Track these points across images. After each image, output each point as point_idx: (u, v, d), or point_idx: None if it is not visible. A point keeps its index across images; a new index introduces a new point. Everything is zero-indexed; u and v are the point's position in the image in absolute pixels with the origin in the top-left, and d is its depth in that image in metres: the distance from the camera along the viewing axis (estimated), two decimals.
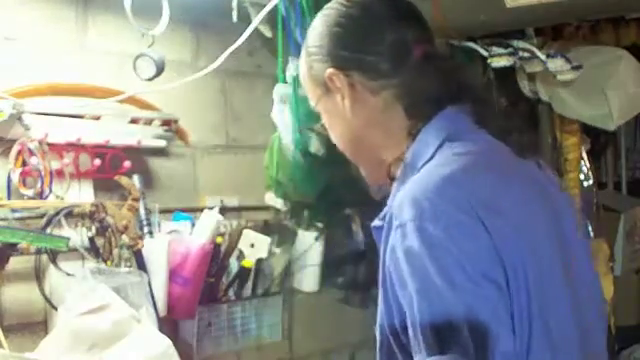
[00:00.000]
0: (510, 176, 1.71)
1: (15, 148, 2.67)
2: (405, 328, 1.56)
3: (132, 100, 3.03)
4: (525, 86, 4.16)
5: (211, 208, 3.17)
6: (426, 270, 1.50)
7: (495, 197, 1.61)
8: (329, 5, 1.87)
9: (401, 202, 1.59)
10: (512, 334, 1.52)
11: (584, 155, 4.53)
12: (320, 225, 3.54)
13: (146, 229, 2.96)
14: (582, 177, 4.54)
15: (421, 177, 1.64)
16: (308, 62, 1.88)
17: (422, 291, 1.51)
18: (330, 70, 1.80)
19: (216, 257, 3.17)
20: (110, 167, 2.94)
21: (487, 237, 1.54)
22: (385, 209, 1.70)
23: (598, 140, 4.76)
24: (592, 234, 4.64)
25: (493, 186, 1.64)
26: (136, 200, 2.86)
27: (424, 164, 1.69)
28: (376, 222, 1.76)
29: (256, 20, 2.97)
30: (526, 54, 3.59)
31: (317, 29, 1.86)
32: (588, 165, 4.61)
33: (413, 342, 1.53)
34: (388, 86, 1.77)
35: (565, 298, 1.66)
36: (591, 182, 4.67)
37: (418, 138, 1.74)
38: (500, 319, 1.51)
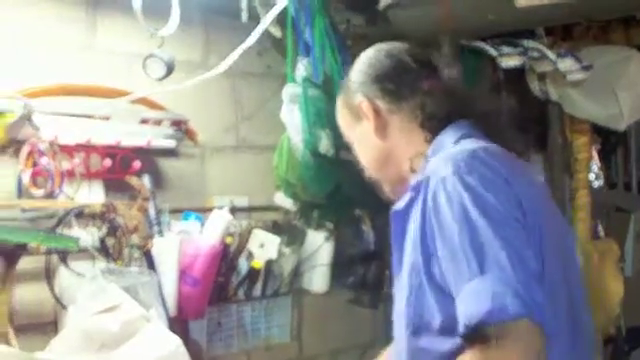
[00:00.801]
0: (524, 169, 2.02)
1: (25, 148, 2.67)
2: (439, 267, 1.83)
3: (142, 100, 3.03)
4: (535, 86, 4.15)
5: (221, 208, 3.17)
6: (467, 209, 1.78)
7: (515, 174, 1.89)
8: (369, 51, 2.24)
9: (437, 166, 1.89)
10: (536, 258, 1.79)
11: (594, 155, 4.53)
12: (330, 225, 3.54)
13: (156, 229, 2.96)
14: (592, 177, 4.53)
15: (450, 151, 1.95)
16: (346, 97, 2.25)
17: (465, 225, 1.78)
18: (360, 99, 2.17)
19: (226, 257, 3.17)
20: (120, 167, 2.94)
21: (513, 192, 1.83)
22: (407, 193, 1.99)
23: (608, 140, 4.74)
24: (602, 234, 4.64)
25: (512, 167, 1.92)
26: (146, 200, 2.87)
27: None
28: (397, 206, 2.04)
29: (266, 20, 2.98)
30: (536, 54, 3.59)
31: (354, 71, 2.24)
32: (598, 165, 4.61)
33: (454, 272, 1.78)
34: (404, 107, 2.13)
35: (560, 273, 1.91)
36: (601, 182, 4.66)
37: (436, 139, 2.07)
38: (529, 245, 1.78)
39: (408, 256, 1.95)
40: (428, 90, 2.12)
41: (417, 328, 1.92)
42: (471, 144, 1.96)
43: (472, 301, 1.71)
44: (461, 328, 1.72)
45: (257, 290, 3.40)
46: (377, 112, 2.15)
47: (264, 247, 3.30)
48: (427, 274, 1.88)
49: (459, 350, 1.76)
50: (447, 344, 1.83)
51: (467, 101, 2.16)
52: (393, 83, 2.15)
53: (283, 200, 3.47)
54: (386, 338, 2.22)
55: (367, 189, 3.22)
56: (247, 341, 3.39)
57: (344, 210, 3.55)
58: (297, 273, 3.56)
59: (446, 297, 1.82)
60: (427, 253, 1.88)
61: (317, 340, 3.80)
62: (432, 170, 1.90)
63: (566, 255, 2.00)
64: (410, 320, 1.94)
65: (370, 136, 2.17)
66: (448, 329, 1.81)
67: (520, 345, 1.67)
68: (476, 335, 1.69)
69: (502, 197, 1.81)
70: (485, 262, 1.72)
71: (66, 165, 2.76)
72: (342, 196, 3.42)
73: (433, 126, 2.09)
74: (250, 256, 3.31)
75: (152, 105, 3.10)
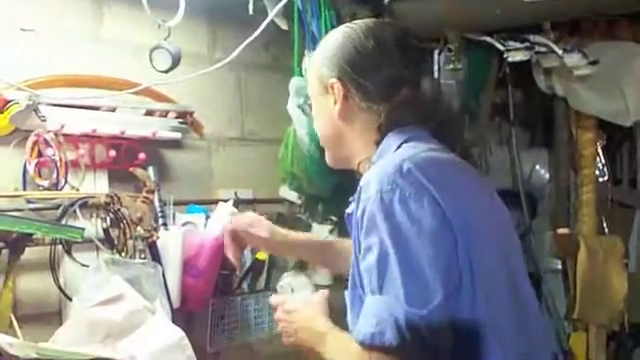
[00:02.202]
0: (462, 169, 2.05)
1: (31, 139, 2.68)
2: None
3: (148, 92, 3.04)
4: (541, 81, 4.15)
5: (225, 200, 3.17)
6: (380, 229, 1.84)
7: (446, 183, 1.90)
8: (354, 25, 2.18)
9: (369, 178, 1.91)
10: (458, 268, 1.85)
11: (599, 151, 4.52)
12: (334, 218, 3.54)
13: (161, 221, 2.96)
14: (597, 173, 4.52)
15: (384, 162, 1.96)
16: (319, 62, 2.19)
17: (376, 244, 1.83)
18: (333, 79, 2.13)
19: None
20: (125, 158, 2.95)
21: (437, 205, 1.85)
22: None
23: (614, 136, 4.73)
24: (607, 230, 4.63)
25: (445, 174, 1.94)
26: (151, 192, 2.87)
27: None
28: (348, 209, 2.13)
29: (272, 13, 2.98)
30: (543, 49, 3.59)
31: (337, 41, 2.17)
32: (603, 161, 4.60)
33: (365, 283, 1.86)
34: (372, 109, 2.10)
35: (502, 272, 1.96)
36: (606, 178, 4.65)
37: (383, 142, 2.08)
38: (445, 260, 1.82)
39: (352, 268, 2.03)
40: (401, 100, 2.09)
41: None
42: (408, 151, 1.99)
43: (363, 318, 1.84)
44: (355, 335, 1.85)
45: (261, 283, 3.40)
46: (346, 98, 2.12)
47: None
48: (362, 286, 1.94)
49: None
50: None
51: (432, 110, 2.16)
52: (369, 81, 2.10)
53: (288, 193, 3.47)
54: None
55: None
56: (251, 333, 3.39)
57: (349, 203, 3.55)
58: (301, 266, 3.56)
59: None
60: (358, 268, 1.96)
61: None
62: (364, 182, 1.94)
63: (511, 254, 2.05)
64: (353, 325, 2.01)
65: (332, 114, 2.15)
66: None
67: None
68: (363, 345, 1.82)
69: (420, 215, 1.84)
70: (384, 284, 1.81)
71: (71, 156, 2.77)
72: (347, 190, 3.41)
73: (389, 130, 2.09)
74: (254, 248, 3.30)
75: (158, 97, 3.11)
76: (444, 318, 1.79)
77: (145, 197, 2.85)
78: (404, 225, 1.83)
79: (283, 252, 2.87)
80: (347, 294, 2.10)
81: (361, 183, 1.95)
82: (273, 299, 2.28)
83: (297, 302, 2.24)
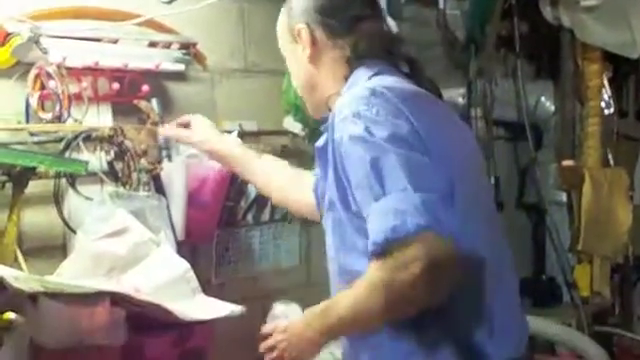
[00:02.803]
0: (432, 100, 2.20)
1: (33, 72, 2.66)
2: (353, 197, 2.00)
3: (150, 23, 3.01)
4: (547, 12, 4.12)
5: (230, 132, 3.16)
6: (366, 139, 1.94)
7: (418, 111, 2.01)
8: None
9: (341, 104, 2.04)
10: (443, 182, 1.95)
11: (605, 83, 4.50)
12: None
13: (164, 153, 2.96)
14: (603, 105, 4.51)
15: (356, 89, 2.08)
16: (286, 15, 2.35)
17: (366, 153, 1.93)
18: (300, 25, 2.26)
19: (234, 181, 3.16)
20: (128, 91, 2.93)
21: (412, 126, 1.97)
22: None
23: (620, 68, 4.71)
24: (612, 162, 4.63)
25: (416, 103, 2.05)
26: (155, 124, 2.86)
27: None
28: (318, 143, 2.23)
29: None
30: None
31: None
32: (609, 93, 4.58)
33: (362, 197, 1.95)
34: (338, 45, 2.23)
35: (478, 198, 2.11)
36: (612, 110, 4.64)
37: (352, 75, 2.21)
38: (432, 169, 1.93)
39: (328, 193, 2.15)
40: (365, 31, 2.23)
41: (344, 253, 2.15)
42: (379, 81, 2.11)
43: (377, 219, 1.89)
44: (370, 246, 1.90)
45: (266, 215, 3.41)
46: (314, 41, 2.25)
47: None
48: (343, 207, 2.07)
49: None
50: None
51: (395, 45, 2.29)
52: (335, 19, 2.23)
53: (292, 125, 3.46)
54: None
55: None
56: (255, 265, 3.41)
57: None
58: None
59: (363, 223, 1.96)
60: (341, 187, 2.06)
61: (325, 264, 3.81)
62: (337, 108, 2.06)
63: (481, 185, 2.24)
64: (337, 248, 2.19)
65: (303, 60, 2.28)
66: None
67: (422, 251, 1.83)
68: (383, 250, 1.87)
69: (400, 126, 1.96)
70: (386, 184, 1.90)
71: (74, 89, 2.75)
72: None
73: (357, 64, 2.21)
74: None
75: (161, 28, 3.08)
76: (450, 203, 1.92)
77: (149, 129, 2.84)
78: (388, 130, 1.94)
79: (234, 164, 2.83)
80: (324, 221, 2.23)
81: (333, 111, 2.08)
82: (265, 329, 2.27)
83: (283, 321, 2.27)
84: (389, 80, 2.12)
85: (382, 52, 2.23)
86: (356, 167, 1.95)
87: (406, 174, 1.89)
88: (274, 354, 2.16)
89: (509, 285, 2.17)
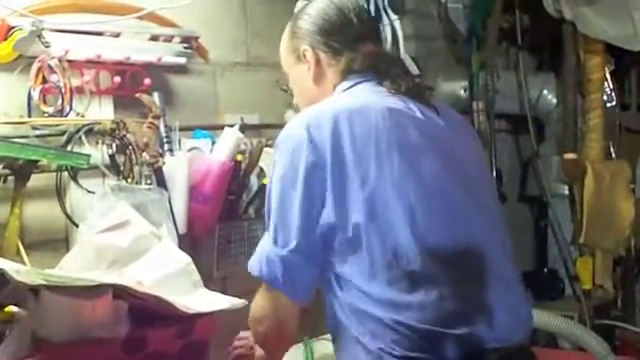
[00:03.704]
0: (397, 115, 2.15)
1: (35, 65, 2.66)
2: None
3: (152, 17, 3.01)
4: (549, 5, 4.12)
5: (231, 126, 3.16)
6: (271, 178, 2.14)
7: (366, 122, 2.09)
8: (321, 2, 2.39)
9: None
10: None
11: (607, 76, 4.50)
12: None
13: (166, 146, 2.96)
14: (605, 98, 4.51)
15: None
16: (290, 36, 2.42)
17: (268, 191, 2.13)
18: (304, 47, 2.35)
19: (236, 175, 3.16)
20: (130, 84, 2.93)
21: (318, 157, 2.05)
22: None
23: (622, 61, 4.71)
24: (614, 155, 4.63)
25: (367, 120, 2.10)
26: (157, 117, 2.86)
27: None
28: None
29: None
30: None
31: (306, 15, 2.39)
32: (611, 86, 4.58)
33: None
34: (340, 62, 2.32)
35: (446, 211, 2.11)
36: (614, 103, 4.64)
37: (338, 86, 2.31)
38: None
39: None
40: (360, 49, 2.32)
41: None
42: (338, 99, 2.23)
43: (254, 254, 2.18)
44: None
45: None
46: (318, 61, 2.34)
47: None
48: None
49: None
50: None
51: (387, 64, 2.34)
52: (337, 41, 2.33)
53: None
54: None
55: None
56: None
57: None
58: None
59: None
60: None
61: None
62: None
63: (469, 185, 2.18)
64: None
65: (307, 79, 2.37)
66: None
67: (265, 296, 2.19)
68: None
69: (298, 164, 2.06)
70: (267, 222, 2.14)
71: (76, 82, 2.75)
72: None
73: (345, 77, 2.31)
74: (261, 174, 3.30)
75: (162, 22, 3.08)
76: (300, 261, 2.08)
77: (151, 123, 2.84)
78: (283, 171, 2.09)
79: None
80: None
81: None
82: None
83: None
84: (353, 94, 2.23)
85: (371, 68, 2.30)
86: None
87: (274, 222, 2.10)
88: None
89: (506, 276, 2.18)
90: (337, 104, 2.16)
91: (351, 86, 2.27)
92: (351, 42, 2.33)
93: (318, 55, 2.34)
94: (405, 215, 2.01)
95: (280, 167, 2.09)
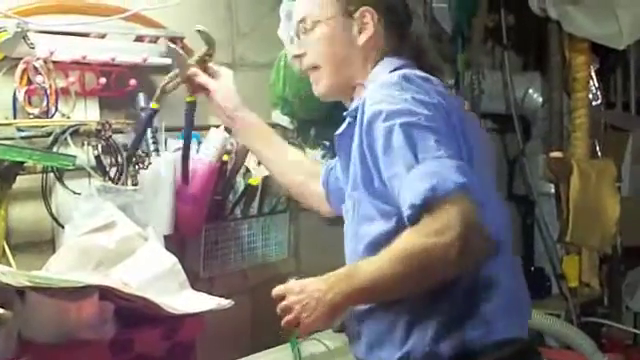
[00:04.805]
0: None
1: (20, 67, 2.66)
2: (378, 177, 2.08)
3: (137, 18, 3.01)
4: (534, 4, 4.13)
5: (217, 126, 3.16)
6: (396, 114, 2.02)
7: (444, 97, 2.12)
8: None
9: (371, 91, 2.14)
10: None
11: (593, 74, 4.52)
12: (327, 143, 3.54)
13: (153, 147, 2.96)
14: (590, 97, 4.52)
15: (382, 78, 2.18)
16: None
17: (397, 128, 1.99)
18: (367, 8, 2.27)
19: (223, 175, 3.16)
20: (116, 85, 2.93)
21: (442, 105, 2.08)
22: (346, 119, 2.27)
23: (607, 59, 4.73)
24: (600, 154, 4.65)
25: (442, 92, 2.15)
26: (209, 56, 2.83)
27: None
28: (339, 131, 2.30)
29: None
30: None
31: None
32: (597, 84, 4.60)
33: (394, 174, 1.99)
34: (386, 36, 2.30)
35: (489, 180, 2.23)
36: (599, 102, 4.66)
37: (373, 71, 2.29)
38: (460, 139, 2.07)
39: (351, 175, 2.21)
40: (408, 33, 2.34)
41: (360, 225, 2.21)
42: (397, 73, 2.16)
43: (413, 184, 1.94)
44: (406, 210, 1.95)
45: (254, 208, 3.41)
46: (374, 28, 2.28)
47: (261, 165, 3.30)
48: (366, 188, 2.14)
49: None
50: None
51: (426, 54, 2.38)
52: (396, 14, 2.31)
53: (280, 118, 3.47)
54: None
55: None
56: (244, 258, 3.40)
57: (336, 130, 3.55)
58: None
59: (384, 197, 2.08)
60: (366, 168, 2.12)
61: (314, 256, 3.82)
62: (369, 94, 2.13)
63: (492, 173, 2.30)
64: (355, 227, 2.24)
65: (347, 39, 2.30)
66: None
67: (457, 218, 1.89)
68: (420, 213, 1.92)
69: (431, 102, 2.05)
70: (419, 153, 1.96)
71: (61, 83, 2.75)
72: (340, 114, 3.41)
73: (384, 56, 2.31)
74: (247, 174, 3.30)
75: (148, 22, 3.08)
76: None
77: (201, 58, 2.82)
78: (420, 107, 2.02)
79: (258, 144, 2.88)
80: (345, 207, 2.30)
81: (361, 101, 2.15)
82: (276, 291, 2.19)
83: (299, 282, 2.15)
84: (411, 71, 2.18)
85: (411, 53, 2.31)
86: (387, 141, 2.01)
87: (438, 144, 1.96)
88: (291, 316, 2.09)
89: (517, 263, 2.29)
90: None
91: (401, 66, 2.24)
92: (405, 21, 2.35)
93: (376, 21, 2.29)
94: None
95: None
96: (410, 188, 1.94)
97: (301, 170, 2.79)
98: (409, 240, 1.94)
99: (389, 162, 2.01)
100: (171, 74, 2.78)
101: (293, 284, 2.15)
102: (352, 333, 2.32)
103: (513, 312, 2.15)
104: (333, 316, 2.08)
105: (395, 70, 2.21)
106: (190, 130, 2.88)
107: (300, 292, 2.09)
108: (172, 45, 2.81)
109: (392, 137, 2.00)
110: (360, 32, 2.30)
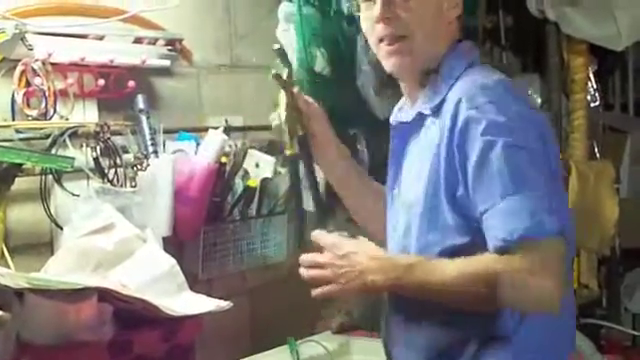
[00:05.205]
0: None
1: (18, 68, 2.66)
2: (463, 186, 1.97)
3: (136, 19, 3.01)
4: (532, 5, 4.12)
5: (215, 128, 3.16)
6: (502, 133, 1.92)
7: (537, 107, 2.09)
8: None
9: (467, 91, 2.01)
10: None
11: (591, 76, 4.51)
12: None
13: (151, 149, 2.96)
14: (589, 98, 4.52)
15: (476, 78, 2.06)
16: None
17: (500, 148, 1.90)
18: None
19: (221, 177, 3.16)
20: (114, 87, 2.93)
21: (538, 123, 2.03)
22: (417, 106, 2.16)
23: (606, 61, 4.72)
24: (598, 155, 4.64)
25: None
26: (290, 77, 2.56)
27: (459, 76, 2.11)
28: (403, 118, 2.22)
29: None
30: None
31: None
32: (595, 86, 4.59)
33: (484, 190, 1.92)
34: (460, 20, 2.22)
35: None
36: (598, 103, 4.65)
37: (446, 60, 2.15)
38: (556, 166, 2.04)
39: (426, 174, 2.06)
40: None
41: (429, 233, 2.07)
42: (487, 73, 2.10)
43: (510, 219, 1.88)
44: (497, 241, 1.90)
45: (253, 210, 3.40)
46: (461, 10, 2.21)
47: (260, 167, 3.30)
48: (447, 197, 2.01)
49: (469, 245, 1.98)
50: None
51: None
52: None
53: (277, 120, 3.46)
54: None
55: (362, 108, 3.21)
56: (243, 260, 3.40)
57: (339, 129, 3.54)
58: (294, 193, 3.55)
59: (464, 207, 1.99)
60: (452, 171, 2.00)
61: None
62: (462, 93, 2.01)
63: None
64: (421, 235, 2.08)
65: (440, 14, 2.16)
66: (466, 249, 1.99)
67: (552, 256, 1.88)
68: (511, 248, 1.88)
69: (532, 126, 1.98)
70: (517, 181, 1.89)
71: (60, 85, 2.75)
72: (337, 115, 3.41)
73: (451, 46, 2.19)
74: (246, 176, 3.30)
75: (146, 24, 3.08)
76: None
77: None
78: (524, 128, 1.96)
79: (335, 166, 2.62)
80: (418, 210, 2.09)
81: (451, 95, 2.05)
82: (320, 237, 2.17)
83: (349, 244, 2.10)
84: (493, 74, 2.12)
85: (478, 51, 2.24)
86: (484, 157, 1.93)
87: (540, 175, 1.92)
88: (321, 273, 2.07)
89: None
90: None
91: (473, 62, 2.17)
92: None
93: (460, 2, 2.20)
94: None
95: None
96: (504, 220, 1.90)
97: (378, 202, 2.51)
98: (496, 266, 1.91)
99: (481, 180, 1.94)
100: (280, 110, 2.55)
101: (341, 243, 2.10)
102: (399, 340, 2.25)
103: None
104: (367, 292, 2.09)
105: (470, 66, 2.14)
106: (312, 168, 2.63)
107: (344, 257, 2.06)
108: (274, 71, 2.55)
109: (491, 154, 1.92)
110: (451, 8, 2.18)
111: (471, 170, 1.95)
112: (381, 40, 2.16)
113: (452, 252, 1.99)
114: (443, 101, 2.06)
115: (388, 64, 2.19)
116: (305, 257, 2.13)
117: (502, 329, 2.01)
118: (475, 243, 1.96)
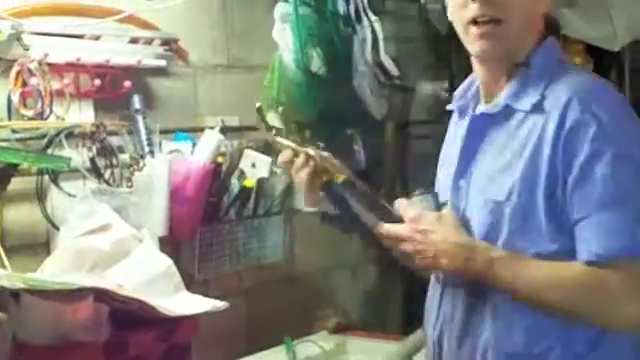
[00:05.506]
0: None
1: (15, 68, 2.65)
2: (562, 188, 1.91)
3: (132, 19, 3.01)
4: None
5: (212, 128, 3.16)
6: (615, 144, 1.88)
7: None
8: None
9: (579, 90, 1.96)
10: None
11: None
12: (321, 145, 3.53)
13: (147, 149, 2.96)
14: None
15: (583, 80, 2.03)
16: None
17: (610, 158, 1.87)
18: None
19: (217, 177, 3.16)
20: (110, 87, 2.93)
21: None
22: (503, 99, 2.06)
23: (602, 61, 4.72)
24: None
25: None
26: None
27: (553, 73, 2.04)
28: (488, 110, 2.10)
29: None
30: None
31: None
32: None
33: (582, 195, 1.88)
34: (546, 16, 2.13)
35: None
36: None
37: (534, 58, 2.06)
38: None
39: (520, 171, 1.98)
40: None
41: (518, 236, 1.99)
42: (593, 77, 2.08)
43: (604, 234, 1.86)
44: (591, 255, 1.87)
45: (249, 210, 3.40)
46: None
47: (256, 167, 3.30)
48: (546, 195, 1.94)
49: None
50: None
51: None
52: None
53: (274, 120, 3.46)
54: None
55: (358, 108, 3.22)
56: (239, 261, 3.40)
57: (335, 129, 3.55)
58: (288, 193, 3.56)
59: (558, 224, 1.93)
60: (554, 174, 1.93)
61: (309, 258, 3.83)
62: (572, 94, 1.94)
63: None
64: (509, 238, 2.00)
65: (535, 5, 2.07)
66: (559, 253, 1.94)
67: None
68: (605, 263, 1.86)
69: (638, 137, 1.94)
70: (621, 196, 1.86)
71: (56, 85, 2.74)
72: (333, 115, 3.41)
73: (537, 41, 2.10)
74: (242, 176, 3.30)
75: (142, 24, 3.08)
76: None
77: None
78: (633, 141, 1.92)
79: None
80: (507, 209, 2.01)
81: (556, 94, 1.98)
82: (403, 206, 2.08)
83: (429, 219, 2.04)
84: (590, 75, 2.12)
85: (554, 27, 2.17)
86: (589, 164, 1.88)
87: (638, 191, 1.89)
88: (404, 246, 2.02)
89: None
90: None
91: (559, 58, 2.11)
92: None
93: None
94: None
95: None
96: (600, 234, 1.87)
97: None
98: (582, 279, 1.90)
99: (583, 186, 1.89)
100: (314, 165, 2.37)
101: (420, 217, 2.03)
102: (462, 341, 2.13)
103: None
104: (444, 270, 2.08)
105: (560, 64, 2.08)
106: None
107: (421, 233, 2.01)
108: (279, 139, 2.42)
109: (598, 162, 1.88)
110: (541, 2, 2.10)
111: (575, 173, 1.90)
112: (474, 21, 2.04)
113: (538, 257, 1.95)
114: (543, 98, 2.00)
115: (476, 47, 2.08)
116: (386, 227, 2.06)
117: (579, 344, 1.98)
118: (562, 252, 1.93)
